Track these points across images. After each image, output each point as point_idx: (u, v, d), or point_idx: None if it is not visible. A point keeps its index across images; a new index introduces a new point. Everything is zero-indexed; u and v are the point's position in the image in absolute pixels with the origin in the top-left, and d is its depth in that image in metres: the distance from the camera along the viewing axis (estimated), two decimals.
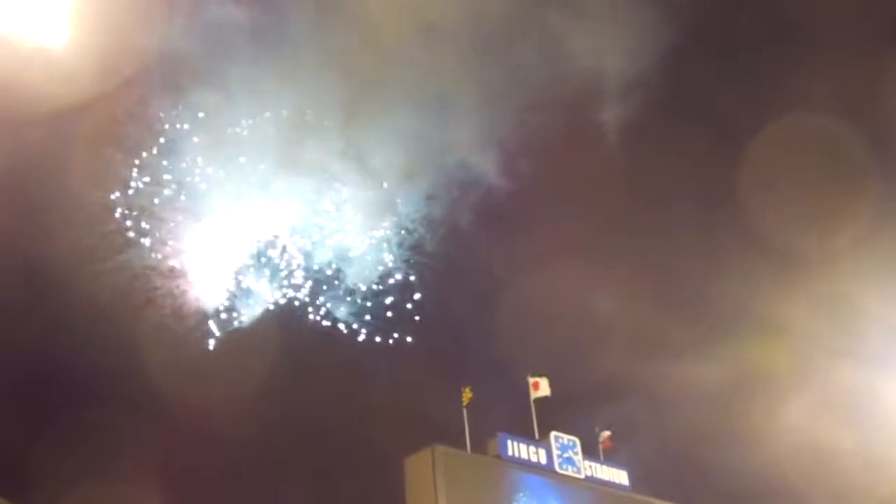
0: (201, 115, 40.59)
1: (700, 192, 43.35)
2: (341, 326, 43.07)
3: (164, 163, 40.68)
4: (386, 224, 43.78)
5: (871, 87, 40.37)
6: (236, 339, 39.65)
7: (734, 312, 43.29)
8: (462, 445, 39.58)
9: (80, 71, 32.33)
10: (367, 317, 43.33)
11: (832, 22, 40.01)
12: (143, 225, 40.50)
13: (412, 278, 43.89)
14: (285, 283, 42.79)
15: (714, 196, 43.11)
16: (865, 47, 40.83)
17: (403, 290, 43.62)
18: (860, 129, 40.39)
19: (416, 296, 43.90)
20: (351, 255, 43.55)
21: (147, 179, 40.47)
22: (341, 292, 43.30)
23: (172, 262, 40.99)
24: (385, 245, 43.79)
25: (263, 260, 42.51)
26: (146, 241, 40.42)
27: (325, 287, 43.06)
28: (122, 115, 37.64)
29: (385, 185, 43.34)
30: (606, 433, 44.03)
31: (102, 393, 38.62)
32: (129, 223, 40.13)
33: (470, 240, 43.73)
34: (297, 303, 42.68)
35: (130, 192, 40.18)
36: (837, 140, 40.59)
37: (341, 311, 43.14)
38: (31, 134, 33.38)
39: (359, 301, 43.23)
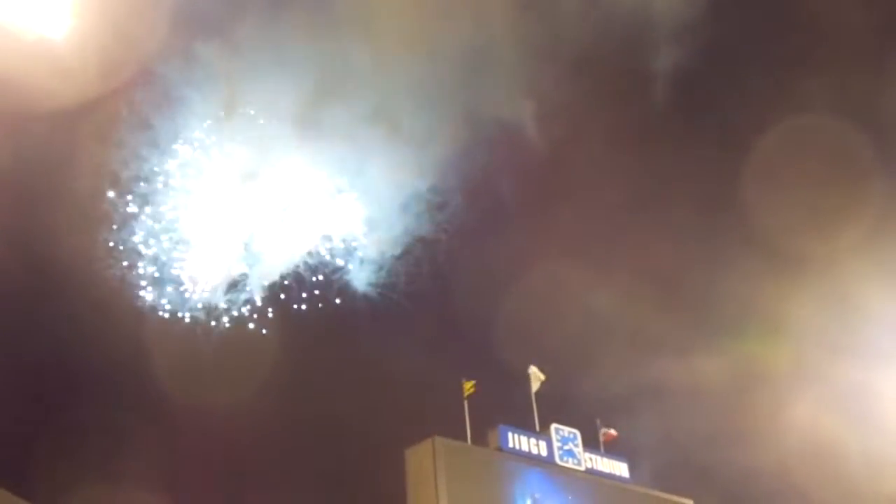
0: (214, 79, 38.64)
1: (704, 191, 43.24)
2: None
3: (175, 135, 39.57)
4: (408, 191, 42.39)
5: (876, 87, 40.24)
6: (238, 330, 39.48)
7: (737, 311, 43.32)
8: (463, 437, 39.69)
9: (83, 63, 32.04)
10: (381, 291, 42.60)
11: (835, 21, 39.81)
12: (150, 209, 39.86)
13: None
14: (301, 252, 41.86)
15: (718, 195, 43.01)
16: (869, 47, 40.67)
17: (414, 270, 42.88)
18: (863, 129, 40.24)
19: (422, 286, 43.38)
20: (372, 224, 42.47)
21: (156, 156, 39.53)
22: (358, 263, 42.51)
23: (181, 245, 40.33)
24: (402, 218, 42.63)
25: (278, 230, 41.54)
26: (154, 227, 39.82)
27: (339, 258, 42.28)
28: (127, 102, 36.96)
29: (412, 152, 41.56)
30: (609, 430, 44.17)
31: (107, 389, 38.64)
32: (133, 207, 39.46)
33: (475, 228, 43.41)
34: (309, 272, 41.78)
35: (138, 172, 39.35)
36: (840, 140, 40.43)
37: (360, 280, 42.39)
38: (34, 126, 33.15)
39: (376, 272, 42.46)
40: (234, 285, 40.85)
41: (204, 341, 39.19)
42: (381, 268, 42.20)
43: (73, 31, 32.41)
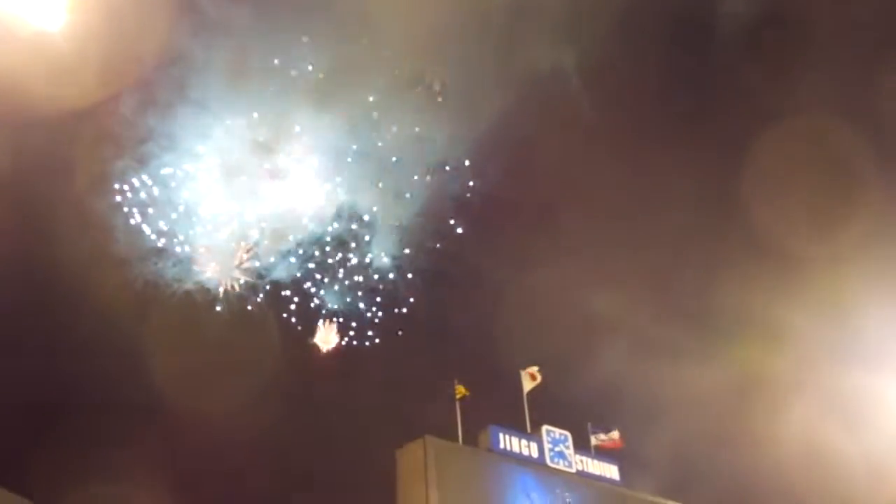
0: (226, 38, 36.13)
1: (700, 194, 42.98)
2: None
3: (181, 97, 38.72)
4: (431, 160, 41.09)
5: (872, 89, 40.03)
6: (232, 333, 39.23)
7: (734, 314, 43.15)
8: (454, 438, 39.71)
9: (81, 59, 31.71)
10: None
11: (832, 22, 39.59)
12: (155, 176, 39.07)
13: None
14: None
15: (714, 198, 42.78)
16: (868, 47, 40.42)
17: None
18: (860, 131, 40.09)
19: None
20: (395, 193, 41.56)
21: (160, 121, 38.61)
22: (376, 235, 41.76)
23: (189, 215, 39.53)
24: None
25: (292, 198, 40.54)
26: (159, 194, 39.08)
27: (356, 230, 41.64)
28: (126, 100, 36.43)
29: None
30: (611, 436, 44.24)
31: (107, 395, 38.40)
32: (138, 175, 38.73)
33: (469, 232, 43.09)
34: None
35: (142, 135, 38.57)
36: (838, 142, 40.28)
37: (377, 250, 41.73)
38: (33, 122, 32.80)
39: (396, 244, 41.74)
40: (245, 257, 40.18)
41: (203, 331, 38.79)
42: (399, 240, 41.53)
43: (70, 25, 32.10)
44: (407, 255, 41.80)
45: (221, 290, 40.29)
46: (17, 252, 35.45)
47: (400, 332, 41.41)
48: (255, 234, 40.41)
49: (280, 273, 41.07)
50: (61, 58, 31.96)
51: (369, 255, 41.68)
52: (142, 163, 38.68)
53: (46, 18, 31.59)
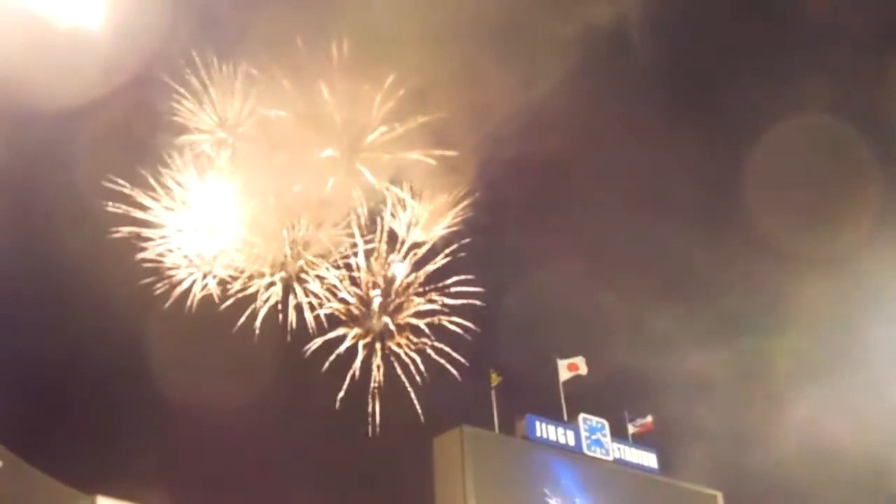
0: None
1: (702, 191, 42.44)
2: None
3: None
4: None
5: (877, 86, 39.42)
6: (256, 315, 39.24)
7: (738, 311, 42.90)
8: (490, 426, 39.81)
9: (118, 54, 31.91)
10: None
11: (836, 21, 38.94)
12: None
13: None
14: None
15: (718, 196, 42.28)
16: (869, 47, 39.74)
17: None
18: (866, 128, 39.51)
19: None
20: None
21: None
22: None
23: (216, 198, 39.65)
24: None
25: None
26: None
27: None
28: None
29: None
30: (645, 420, 44.25)
31: (111, 391, 38.57)
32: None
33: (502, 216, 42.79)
34: None
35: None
36: (843, 139, 39.74)
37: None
38: (69, 117, 33.11)
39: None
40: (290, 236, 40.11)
41: (228, 313, 38.81)
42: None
43: (109, 21, 32.27)
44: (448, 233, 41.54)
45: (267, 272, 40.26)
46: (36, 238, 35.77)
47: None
48: (298, 211, 40.35)
49: (319, 250, 40.96)
50: (98, 54, 32.13)
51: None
52: (179, 139, 38.86)
53: (84, 13, 31.84)
